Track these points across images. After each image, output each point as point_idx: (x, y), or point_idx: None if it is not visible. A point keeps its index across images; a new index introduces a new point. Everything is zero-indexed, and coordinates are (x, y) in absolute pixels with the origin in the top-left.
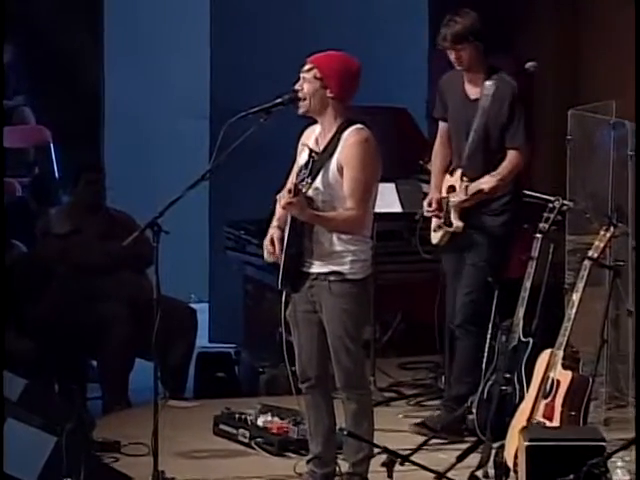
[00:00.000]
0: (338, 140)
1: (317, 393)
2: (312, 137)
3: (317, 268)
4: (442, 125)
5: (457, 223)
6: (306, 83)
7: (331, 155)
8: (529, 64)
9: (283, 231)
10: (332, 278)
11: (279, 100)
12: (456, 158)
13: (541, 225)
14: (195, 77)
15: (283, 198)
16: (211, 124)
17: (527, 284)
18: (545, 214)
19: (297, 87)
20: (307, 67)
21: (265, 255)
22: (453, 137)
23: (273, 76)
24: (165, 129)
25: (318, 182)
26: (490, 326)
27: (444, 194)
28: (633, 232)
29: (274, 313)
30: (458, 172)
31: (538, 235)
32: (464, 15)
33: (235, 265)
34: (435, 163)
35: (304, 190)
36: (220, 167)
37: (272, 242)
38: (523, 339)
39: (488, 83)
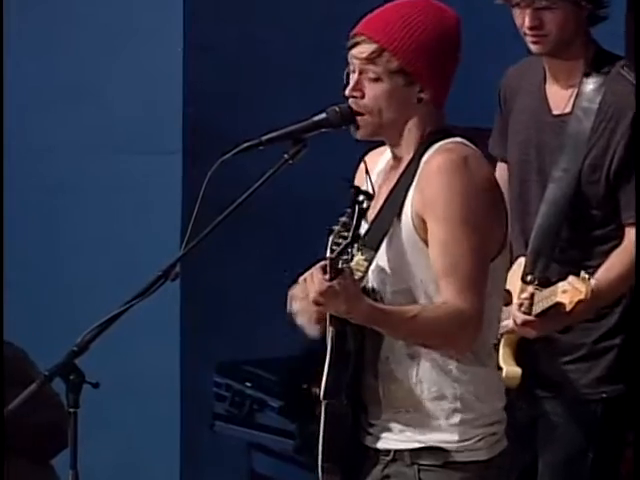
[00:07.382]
0: (415, 169)
1: None
2: (377, 167)
3: (392, 440)
4: (500, 168)
5: (508, 370)
6: (370, 80)
7: (404, 198)
8: None
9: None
10: (425, 461)
11: (322, 116)
12: (517, 236)
13: None
14: (158, 82)
15: (310, 281)
16: (185, 162)
17: None
18: None
19: (350, 91)
20: (370, 49)
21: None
22: (514, 191)
23: (296, 74)
24: (101, 173)
25: (382, 255)
26: None
27: None
28: None
29: None
30: (520, 263)
31: None
32: None
33: (233, 449)
34: None
35: (350, 267)
36: (202, 250)
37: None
38: None
39: (589, 84)
